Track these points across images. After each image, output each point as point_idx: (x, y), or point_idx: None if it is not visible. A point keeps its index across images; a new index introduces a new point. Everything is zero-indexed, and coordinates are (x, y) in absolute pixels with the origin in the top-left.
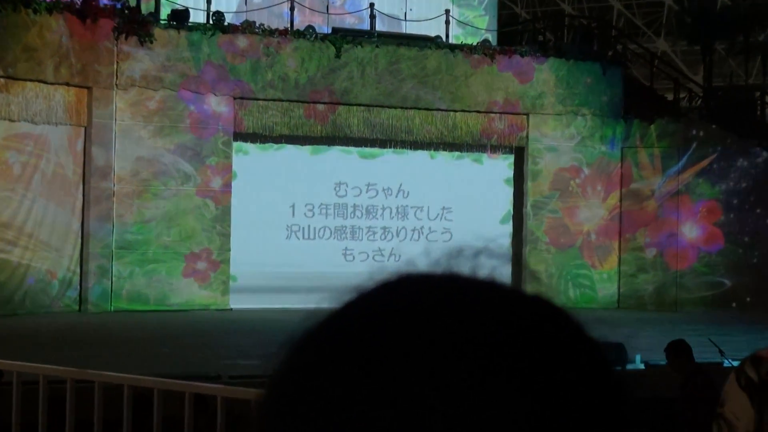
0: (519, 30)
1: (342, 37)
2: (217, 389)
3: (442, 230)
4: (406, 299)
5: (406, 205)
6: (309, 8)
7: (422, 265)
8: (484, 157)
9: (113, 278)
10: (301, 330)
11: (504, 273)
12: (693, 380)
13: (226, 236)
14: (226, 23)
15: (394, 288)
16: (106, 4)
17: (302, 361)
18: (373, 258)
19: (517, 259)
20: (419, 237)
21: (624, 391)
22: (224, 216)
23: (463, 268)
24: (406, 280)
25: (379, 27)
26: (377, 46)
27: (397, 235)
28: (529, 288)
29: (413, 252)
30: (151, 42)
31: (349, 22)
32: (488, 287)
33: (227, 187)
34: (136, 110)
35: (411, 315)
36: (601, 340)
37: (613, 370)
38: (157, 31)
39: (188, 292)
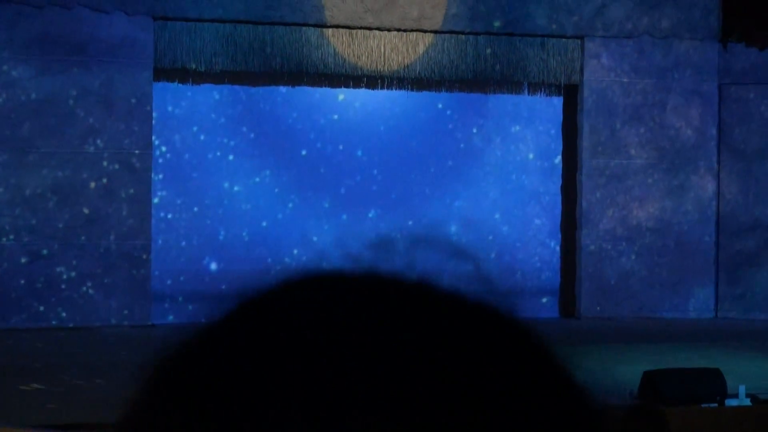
0: None
1: None
2: None
3: (449, 207)
4: (306, 309)
5: (398, 171)
6: None
7: (336, 260)
8: (519, 100)
9: None
10: (171, 347)
11: (458, 271)
12: None
13: (144, 219)
14: None
15: (291, 293)
16: None
17: (163, 388)
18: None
19: (569, 247)
20: (408, 215)
21: None
22: (141, 189)
23: (393, 264)
24: (311, 281)
25: None
26: None
27: (380, 212)
28: (588, 289)
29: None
30: None
31: None
32: (416, 290)
33: (145, 147)
34: (9, 37)
35: (310, 331)
36: (571, 366)
37: (593, 406)
38: None
39: (90, 302)
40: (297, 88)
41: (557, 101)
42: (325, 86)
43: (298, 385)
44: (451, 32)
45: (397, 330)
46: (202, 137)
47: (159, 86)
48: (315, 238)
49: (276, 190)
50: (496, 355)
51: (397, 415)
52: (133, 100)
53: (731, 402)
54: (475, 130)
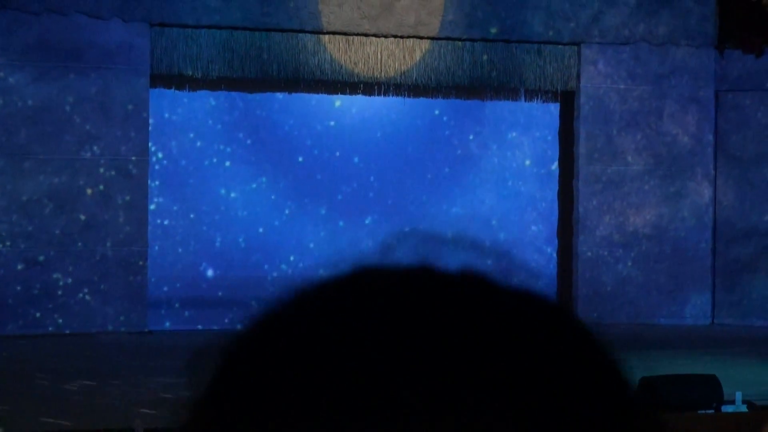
0: None
1: None
2: None
3: (446, 213)
4: (365, 300)
5: (395, 177)
6: None
7: (377, 256)
8: (516, 106)
9: None
10: (228, 342)
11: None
12: None
13: (141, 225)
14: None
15: (345, 286)
16: None
17: (226, 381)
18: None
19: (566, 253)
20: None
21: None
22: (138, 196)
23: (433, 260)
24: (364, 274)
25: None
26: None
27: (376, 221)
28: (584, 297)
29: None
30: None
31: None
32: (467, 281)
33: (142, 154)
34: (6, 43)
35: (372, 322)
36: (618, 356)
37: (633, 398)
38: None
39: (86, 308)
40: (293, 94)
41: (554, 108)
42: (322, 93)
43: (361, 381)
44: (447, 39)
45: (461, 323)
46: (198, 144)
47: (156, 93)
48: (311, 245)
49: (272, 196)
50: (563, 349)
51: (465, 407)
52: (130, 107)
53: (728, 408)
54: (471, 137)
